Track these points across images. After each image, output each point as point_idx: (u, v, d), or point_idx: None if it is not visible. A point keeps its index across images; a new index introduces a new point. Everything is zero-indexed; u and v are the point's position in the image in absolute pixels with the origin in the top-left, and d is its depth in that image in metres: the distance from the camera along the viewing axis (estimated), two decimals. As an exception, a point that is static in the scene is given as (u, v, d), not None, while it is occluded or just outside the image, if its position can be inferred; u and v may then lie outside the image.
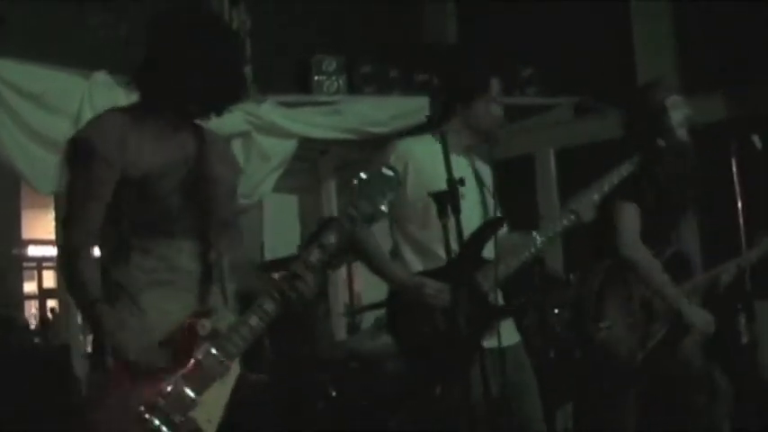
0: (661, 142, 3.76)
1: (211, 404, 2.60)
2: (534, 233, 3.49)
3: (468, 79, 3.52)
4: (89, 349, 2.74)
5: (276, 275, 2.76)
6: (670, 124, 3.90)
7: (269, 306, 2.66)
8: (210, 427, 2.60)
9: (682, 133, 4.01)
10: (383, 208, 2.70)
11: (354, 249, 3.55)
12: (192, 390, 2.56)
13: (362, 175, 2.70)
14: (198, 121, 2.83)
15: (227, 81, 2.74)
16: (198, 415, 2.57)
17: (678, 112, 3.96)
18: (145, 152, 2.66)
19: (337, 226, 2.70)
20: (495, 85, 3.55)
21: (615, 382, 3.93)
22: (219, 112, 2.80)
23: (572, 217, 3.53)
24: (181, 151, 2.75)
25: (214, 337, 2.62)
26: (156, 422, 2.50)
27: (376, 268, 3.51)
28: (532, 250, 3.48)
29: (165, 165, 2.69)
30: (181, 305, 2.69)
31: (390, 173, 2.73)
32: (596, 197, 3.59)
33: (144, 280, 2.67)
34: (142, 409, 2.49)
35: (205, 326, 2.62)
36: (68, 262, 2.62)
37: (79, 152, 2.65)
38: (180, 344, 2.60)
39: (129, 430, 2.49)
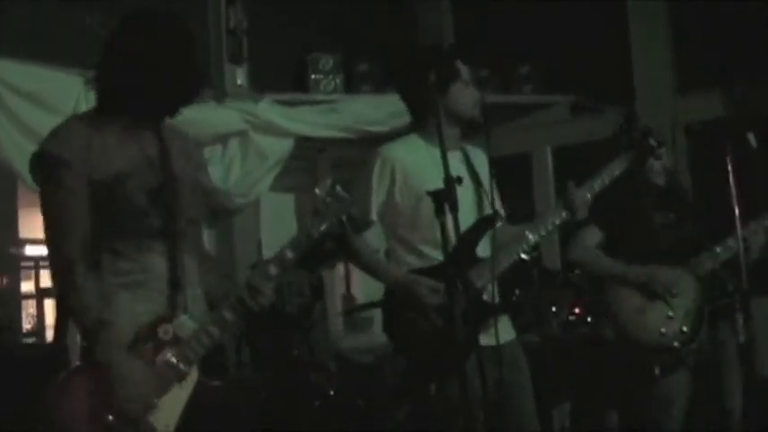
0: (653, 141, 3.79)
1: (169, 409, 2.64)
2: (526, 231, 3.48)
3: (437, 70, 3.39)
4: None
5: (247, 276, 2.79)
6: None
7: (229, 315, 2.71)
8: (167, 430, 2.63)
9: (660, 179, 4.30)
10: (340, 227, 2.80)
11: (347, 253, 3.55)
12: (151, 394, 2.60)
13: (317, 192, 2.79)
14: (160, 120, 2.82)
15: (184, 81, 2.74)
16: (156, 419, 2.61)
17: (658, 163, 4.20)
18: (109, 156, 2.66)
19: (295, 243, 2.76)
20: (463, 69, 3.51)
21: (658, 368, 4.04)
22: (173, 112, 2.80)
23: (564, 214, 3.52)
24: (143, 153, 2.74)
25: (175, 343, 2.66)
26: (115, 424, 2.54)
27: (369, 269, 3.51)
28: (524, 247, 3.48)
29: (129, 167, 2.68)
30: (150, 307, 2.69)
31: (345, 194, 2.80)
32: (589, 195, 3.58)
33: (115, 282, 2.68)
34: (103, 410, 2.54)
35: (168, 331, 2.66)
36: (66, 283, 2.61)
37: (48, 165, 2.65)
38: (142, 348, 2.63)
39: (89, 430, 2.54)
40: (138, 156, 2.72)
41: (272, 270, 2.74)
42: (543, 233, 3.50)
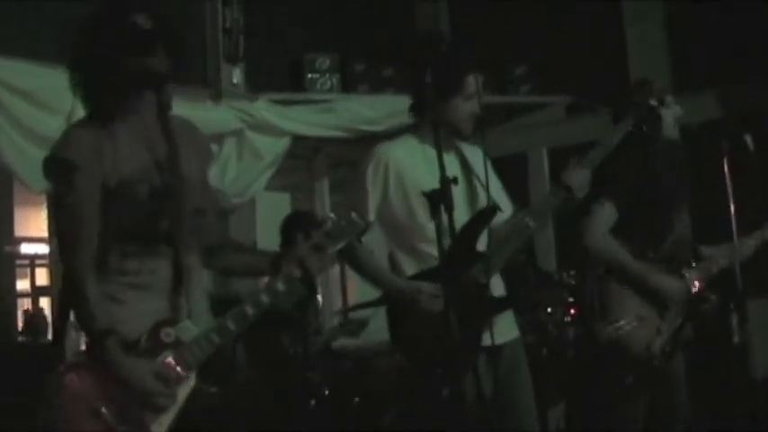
0: (653, 102, 3.72)
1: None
2: (526, 218, 3.43)
3: (441, 78, 3.32)
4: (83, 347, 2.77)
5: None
6: (662, 115, 3.92)
7: (231, 325, 2.73)
8: (160, 429, 2.64)
9: (673, 132, 4.03)
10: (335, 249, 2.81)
11: (349, 261, 3.53)
12: (150, 393, 2.61)
13: (331, 216, 2.83)
14: (165, 114, 2.77)
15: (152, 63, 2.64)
16: (150, 418, 2.62)
17: (669, 112, 3.96)
18: (119, 160, 2.65)
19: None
20: (471, 82, 3.45)
21: (631, 378, 3.91)
22: (159, 88, 2.72)
23: (564, 194, 3.44)
24: (152, 154, 2.72)
25: (176, 346, 2.67)
26: (111, 420, 2.57)
27: (370, 278, 3.48)
28: (527, 234, 3.44)
29: (138, 171, 2.67)
30: (155, 307, 2.71)
31: (359, 220, 2.83)
32: (588, 170, 3.50)
33: (124, 281, 2.69)
34: (100, 406, 2.56)
35: (170, 334, 2.67)
36: (75, 290, 2.63)
37: (59, 170, 2.64)
38: (143, 349, 2.64)
39: (86, 426, 2.56)
40: (146, 158, 2.71)
41: (280, 286, 2.76)
42: (544, 217, 3.48)
